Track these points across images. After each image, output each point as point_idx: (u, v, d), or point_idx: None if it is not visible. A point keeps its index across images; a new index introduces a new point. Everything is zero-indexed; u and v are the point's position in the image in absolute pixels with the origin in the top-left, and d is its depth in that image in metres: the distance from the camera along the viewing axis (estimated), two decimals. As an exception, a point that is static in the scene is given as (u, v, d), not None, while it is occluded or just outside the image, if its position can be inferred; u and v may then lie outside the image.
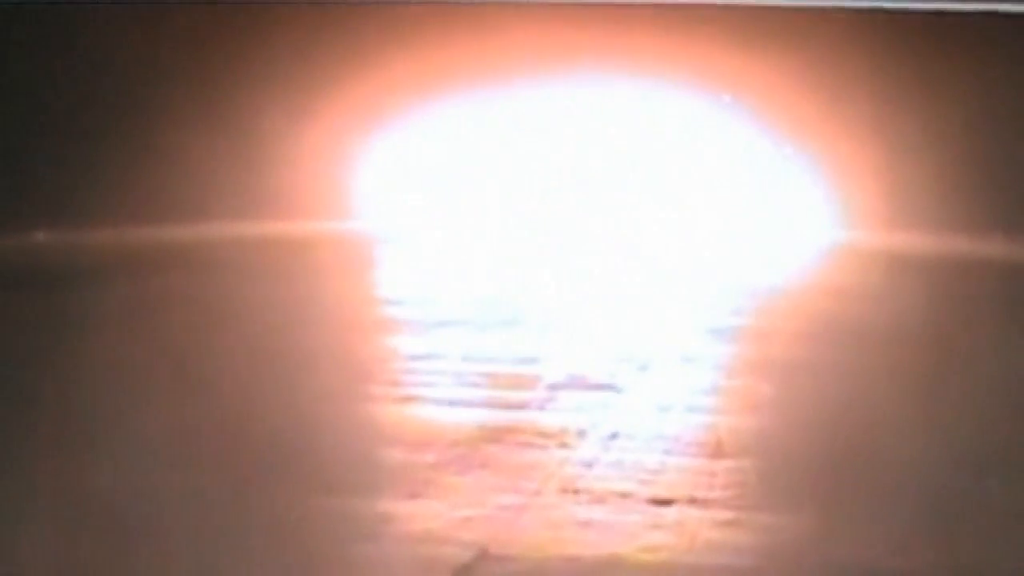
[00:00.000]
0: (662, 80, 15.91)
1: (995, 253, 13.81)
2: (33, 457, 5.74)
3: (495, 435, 6.21)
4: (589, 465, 5.73)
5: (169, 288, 11.52)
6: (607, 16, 15.56)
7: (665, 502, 5.14)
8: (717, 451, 6.02)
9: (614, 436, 6.29)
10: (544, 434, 6.28)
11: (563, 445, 6.07)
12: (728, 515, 5.04)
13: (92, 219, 14.51)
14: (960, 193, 14.67)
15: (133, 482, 5.36)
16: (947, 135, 14.84)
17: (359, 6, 15.47)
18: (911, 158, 15.11)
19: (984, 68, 14.68)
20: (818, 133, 15.80)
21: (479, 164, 16.59)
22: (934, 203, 14.87)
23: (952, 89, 14.78)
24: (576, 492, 5.28)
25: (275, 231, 15.84)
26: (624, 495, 5.24)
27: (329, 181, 16.55)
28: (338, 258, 14.92)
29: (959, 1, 14.25)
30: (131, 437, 6.10)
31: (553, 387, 7.50)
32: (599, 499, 5.18)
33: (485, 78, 16.24)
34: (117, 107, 15.21)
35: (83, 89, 15.14)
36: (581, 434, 6.31)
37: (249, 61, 15.34)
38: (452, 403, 7.10)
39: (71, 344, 8.74)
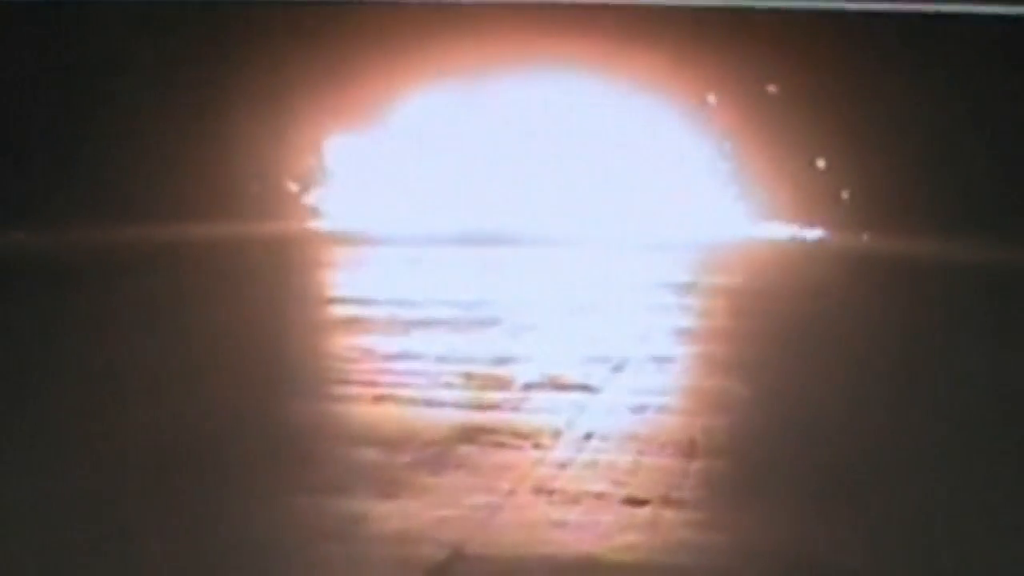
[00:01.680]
0: (636, 83, 15.95)
1: (965, 255, 13.88)
2: (9, 458, 5.74)
3: (470, 435, 6.23)
4: (563, 465, 5.75)
5: (144, 288, 11.50)
6: (581, 18, 15.60)
7: (639, 502, 5.16)
8: (691, 451, 6.05)
9: (588, 437, 6.31)
10: (519, 434, 6.30)
11: (537, 445, 6.09)
12: (702, 515, 5.06)
13: (69, 220, 14.47)
14: (931, 195, 14.76)
15: (105, 482, 5.35)
16: (919, 137, 14.93)
17: (333, 10, 15.46)
18: (883, 161, 15.19)
19: (958, 72, 14.77)
20: (791, 136, 15.87)
21: (455, 166, 16.61)
22: (905, 205, 14.95)
23: (924, 92, 14.87)
24: (550, 492, 5.29)
25: (250, 232, 15.81)
26: (598, 495, 5.26)
27: (305, 183, 16.55)
28: (314, 259, 14.91)
29: (930, 3, 14.34)
30: (104, 438, 6.10)
31: (528, 388, 7.52)
32: (573, 499, 5.20)
33: (460, 81, 16.25)
34: (92, 110, 15.16)
35: (55, 93, 15.09)
36: (555, 435, 6.32)
37: (224, 65, 15.31)
38: (427, 403, 7.11)
39: (46, 343, 8.72)
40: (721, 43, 15.27)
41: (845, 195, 15.37)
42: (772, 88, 15.64)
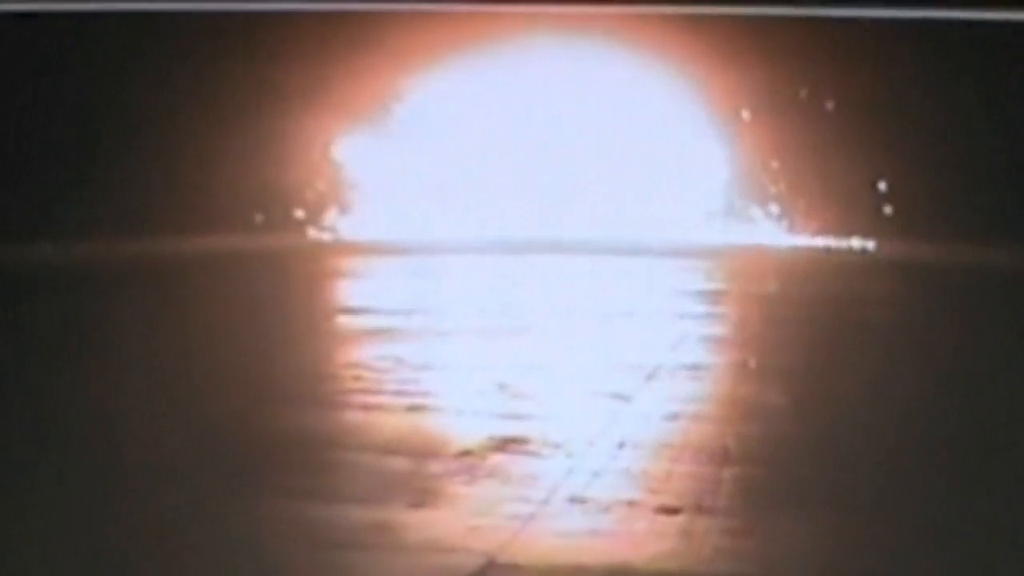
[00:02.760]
0: (671, 91, 15.93)
1: (1002, 261, 13.80)
2: (28, 459, 5.77)
3: (503, 444, 6.23)
4: (596, 474, 5.74)
5: (169, 299, 11.54)
6: (608, 24, 15.57)
7: (672, 510, 5.15)
8: (724, 459, 6.03)
9: (621, 445, 6.30)
10: (551, 443, 6.29)
11: (570, 454, 6.09)
12: (735, 523, 5.05)
13: (94, 231, 14.54)
14: (967, 202, 14.67)
15: (136, 488, 5.38)
16: (953, 144, 14.85)
17: (341, 17, 15.45)
18: (918, 168, 15.13)
19: (989, 78, 14.69)
20: (824, 143, 15.82)
21: (482, 174, 16.60)
22: (938, 212, 14.88)
23: (956, 99, 14.80)
24: (584, 501, 5.29)
25: (277, 243, 15.85)
26: (631, 504, 5.25)
27: (330, 193, 16.58)
28: (342, 269, 14.95)
29: (961, 10, 14.27)
30: (136, 444, 6.13)
31: (560, 396, 7.52)
32: (606, 508, 5.19)
33: (483, 87, 16.23)
34: (112, 122, 15.22)
35: (75, 107, 15.16)
36: (588, 443, 6.32)
37: (235, 76, 15.33)
38: (459, 412, 7.12)
39: (61, 351, 8.75)
40: (756, 52, 15.23)
41: (887, 204, 15.31)
42: (804, 94, 15.59)
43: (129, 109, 15.26)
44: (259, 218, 15.56)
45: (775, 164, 15.81)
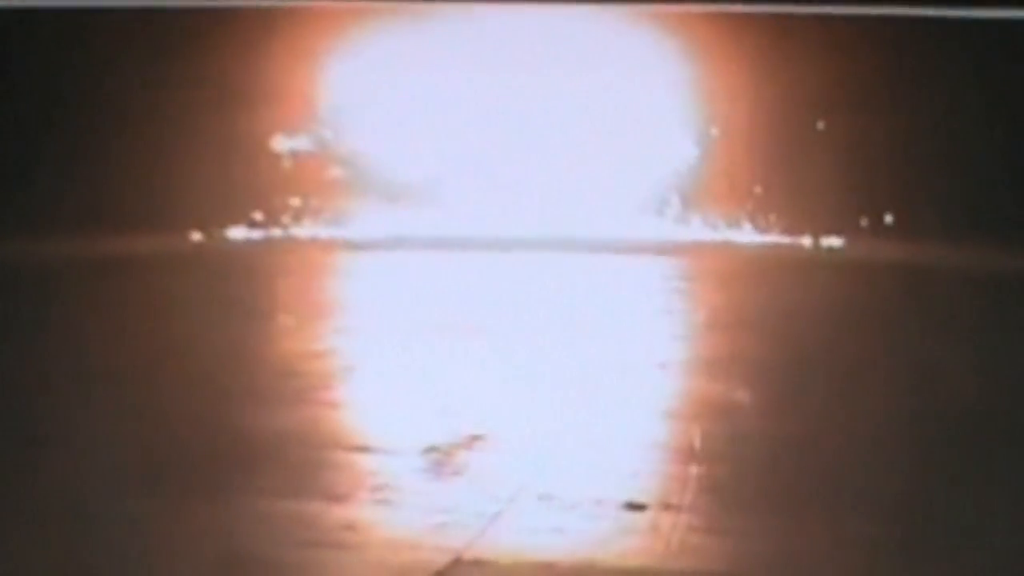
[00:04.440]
0: (638, 82, 15.92)
1: (976, 263, 13.81)
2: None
3: (469, 441, 6.21)
4: (564, 471, 5.74)
5: (132, 296, 11.47)
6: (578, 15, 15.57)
7: (639, 507, 5.15)
8: (691, 456, 6.03)
9: (588, 442, 6.30)
10: (518, 439, 6.29)
11: (537, 451, 6.08)
12: (702, 520, 5.05)
13: (66, 228, 14.44)
14: (944, 201, 14.68)
15: (95, 485, 5.34)
16: (933, 142, 14.87)
17: (309, 11, 15.38)
18: (897, 167, 15.15)
19: (976, 75, 14.71)
20: (801, 143, 15.83)
21: (452, 168, 16.54)
22: (914, 210, 14.91)
23: (937, 95, 14.81)
24: (550, 498, 5.28)
25: (240, 238, 15.78)
26: (598, 500, 5.25)
27: (296, 188, 16.49)
28: (306, 265, 14.89)
29: (953, 8, 14.29)
30: (99, 446, 6.08)
31: (527, 392, 7.51)
32: (573, 505, 5.18)
33: (432, 77, 16.15)
34: (87, 120, 15.12)
35: (53, 102, 15.07)
36: (555, 440, 6.32)
37: (215, 73, 15.24)
38: (425, 409, 7.09)
39: (18, 350, 8.67)
40: (734, 45, 15.20)
41: (864, 204, 15.30)
42: (778, 91, 15.57)
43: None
44: (215, 216, 15.44)
45: (749, 161, 15.79)
